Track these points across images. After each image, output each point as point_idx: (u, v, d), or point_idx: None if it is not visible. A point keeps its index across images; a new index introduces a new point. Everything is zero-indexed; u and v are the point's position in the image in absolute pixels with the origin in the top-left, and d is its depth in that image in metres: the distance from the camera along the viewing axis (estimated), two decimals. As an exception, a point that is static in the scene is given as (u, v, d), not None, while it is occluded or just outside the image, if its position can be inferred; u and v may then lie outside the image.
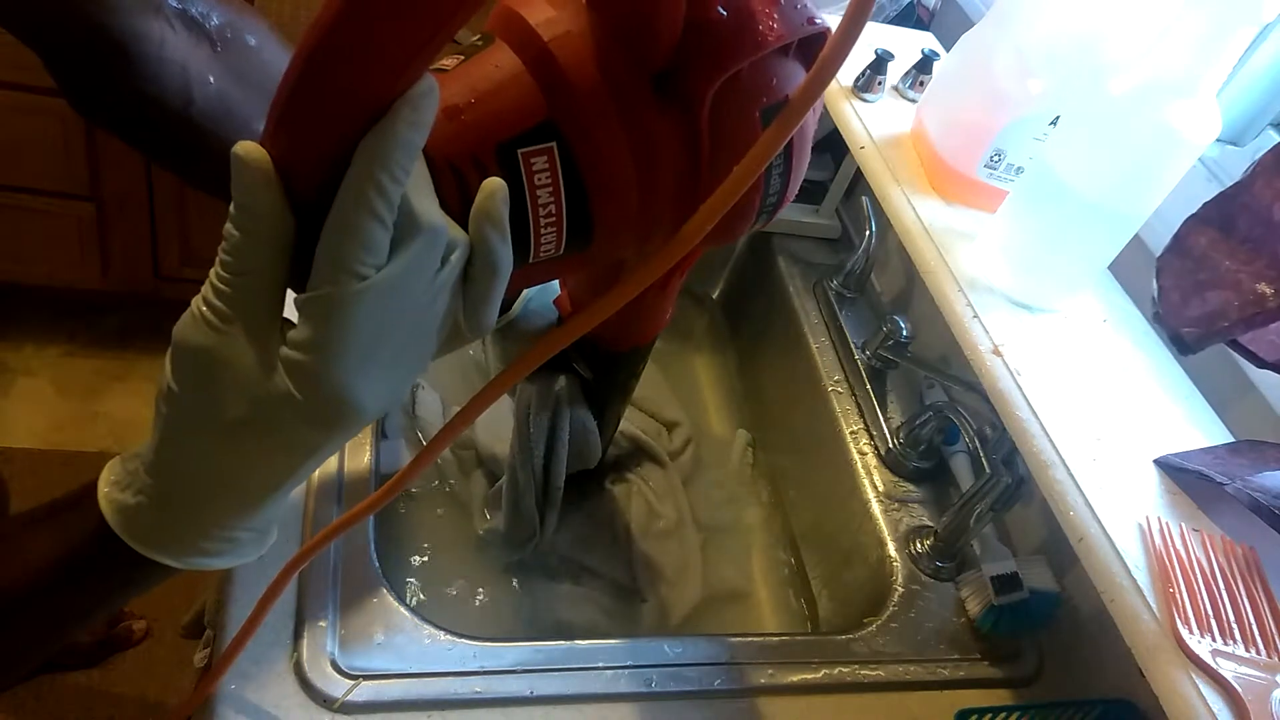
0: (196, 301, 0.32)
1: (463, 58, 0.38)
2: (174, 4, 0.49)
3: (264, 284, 0.32)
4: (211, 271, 0.32)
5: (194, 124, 0.51)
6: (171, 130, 0.51)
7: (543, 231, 0.38)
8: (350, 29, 0.28)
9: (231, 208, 0.31)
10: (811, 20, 0.39)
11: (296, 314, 0.32)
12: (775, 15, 0.38)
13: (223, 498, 0.35)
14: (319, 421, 0.33)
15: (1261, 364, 0.61)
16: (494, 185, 0.34)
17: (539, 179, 0.36)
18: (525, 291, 0.65)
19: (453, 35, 0.30)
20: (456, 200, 0.34)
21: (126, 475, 0.36)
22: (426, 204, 0.32)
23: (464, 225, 0.34)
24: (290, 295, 0.33)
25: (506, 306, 0.65)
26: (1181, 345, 0.62)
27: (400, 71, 0.30)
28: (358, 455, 0.72)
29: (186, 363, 0.33)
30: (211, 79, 0.50)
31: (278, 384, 0.32)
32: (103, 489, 0.36)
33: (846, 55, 0.31)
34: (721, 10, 0.37)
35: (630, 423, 0.90)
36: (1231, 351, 0.63)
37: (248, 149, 0.30)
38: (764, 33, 0.38)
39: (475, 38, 0.39)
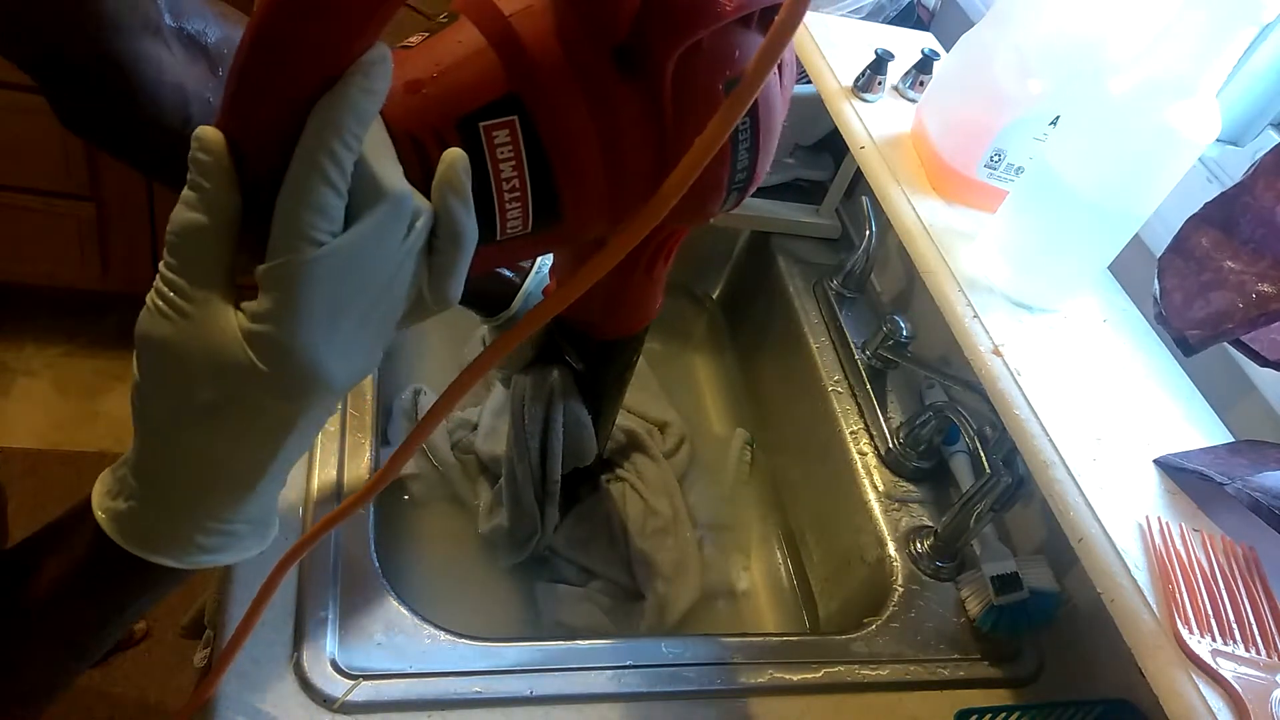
0: (151, 295, 0.32)
1: (428, 35, 0.38)
2: (170, 23, 0.49)
3: (213, 265, 0.32)
4: (160, 263, 0.32)
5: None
6: (168, 149, 0.51)
7: (508, 206, 0.38)
8: None
9: (185, 189, 0.31)
10: None
11: (259, 290, 0.32)
12: None
13: (210, 488, 0.35)
14: (288, 393, 0.33)
15: (1264, 362, 0.61)
16: (454, 155, 0.34)
17: (501, 152, 0.37)
18: (523, 289, 0.65)
19: (401, 3, 0.30)
20: (418, 174, 0.35)
21: (116, 482, 0.36)
22: (390, 171, 0.32)
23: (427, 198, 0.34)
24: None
25: (505, 304, 0.65)
26: (1186, 347, 0.62)
27: (350, 39, 0.30)
28: (357, 460, 0.72)
29: (150, 356, 0.33)
30: (209, 97, 0.50)
31: (241, 360, 0.32)
32: (95, 500, 0.36)
33: (798, 23, 0.31)
34: None
35: (621, 417, 0.90)
36: (1232, 351, 0.63)
37: (204, 129, 0.31)
38: (723, 2, 0.38)
39: (441, 16, 0.39)
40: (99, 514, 0.35)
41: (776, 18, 0.31)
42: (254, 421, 0.34)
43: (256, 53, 0.30)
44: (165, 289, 0.32)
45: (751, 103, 0.33)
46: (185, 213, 0.31)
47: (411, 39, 0.38)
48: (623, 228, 0.36)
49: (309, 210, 0.30)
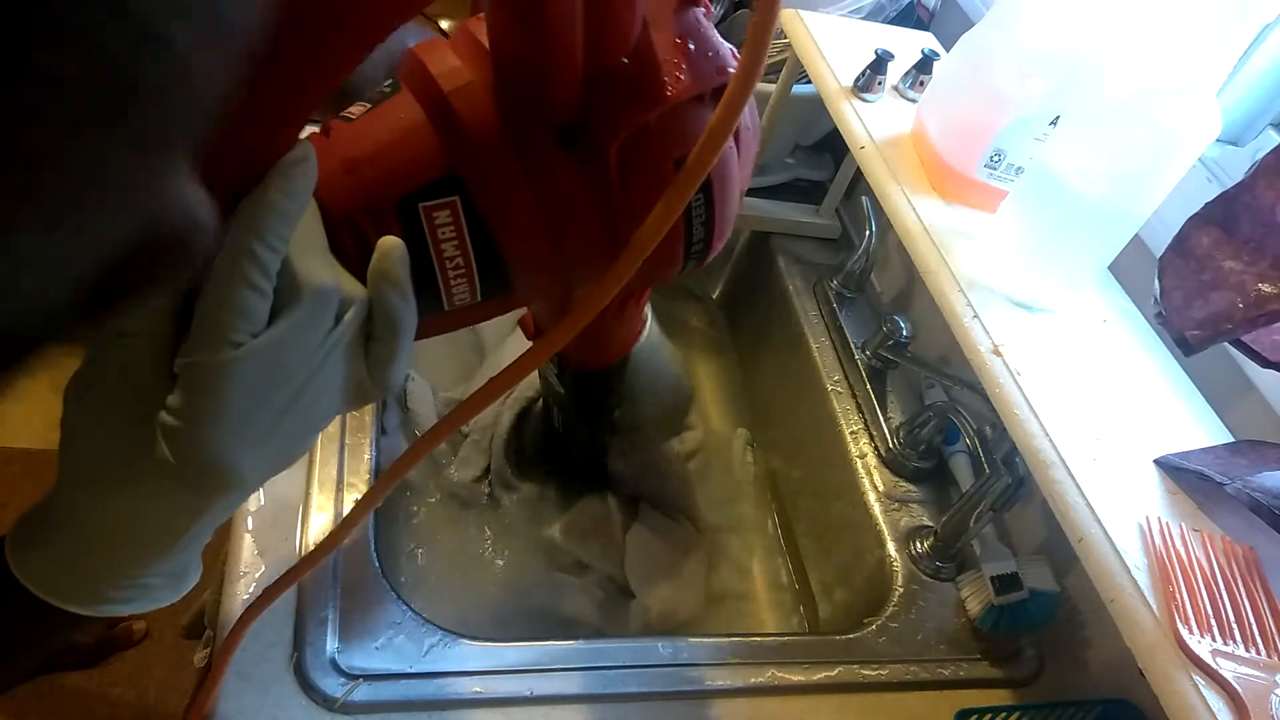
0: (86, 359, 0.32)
1: (369, 105, 0.37)
2: None
3: (146, 346, 0.31)
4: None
5: None
6: None
7: (453, 282, 0.37)
8: None
9: None
10: (723, 70, 0.38)
11: (176, 384, 0.31)
12: (683, 66, 0.37)
13: (119, 549, 0.34)
14: (194, 488, 0.32)
15: (1265, 363, 0.61)
16: (388, 245, 0.33)
17: (443, 233, 0.35)
18: None
19: (319, 101, 0.29)
20: (356, 259, 0.34)
21: (30, 522, 0.35)
22: (313, 265, 0.32)
23: (365, 282, 0.33)
24: None
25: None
26: (1186, 347, 0.63)
27: (273, 135, 0.29)
28: (358, 452, 0.72)
29: (71, 417, 0.32)
30: None
31: (153, 448, 0.31)
32: (9, 536, 0.35)
33: (741, 109, 0.30)
34: (625, 60, 0.36)
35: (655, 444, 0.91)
36: (1232, 351, 0.63)
37: None
38: (668, 84, 0.36)
39: (385, 84, 0.38)
40: (8, 549, 0.34)
41: (718, 107, 0.30)
42: (161, 503, 0.33)
43: None
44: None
45: (703, 179, 0.32)
46: None
47: (353, 109, 0.37)
48: (576, 305, 0.35)
49: (230, 313, 0.30)
